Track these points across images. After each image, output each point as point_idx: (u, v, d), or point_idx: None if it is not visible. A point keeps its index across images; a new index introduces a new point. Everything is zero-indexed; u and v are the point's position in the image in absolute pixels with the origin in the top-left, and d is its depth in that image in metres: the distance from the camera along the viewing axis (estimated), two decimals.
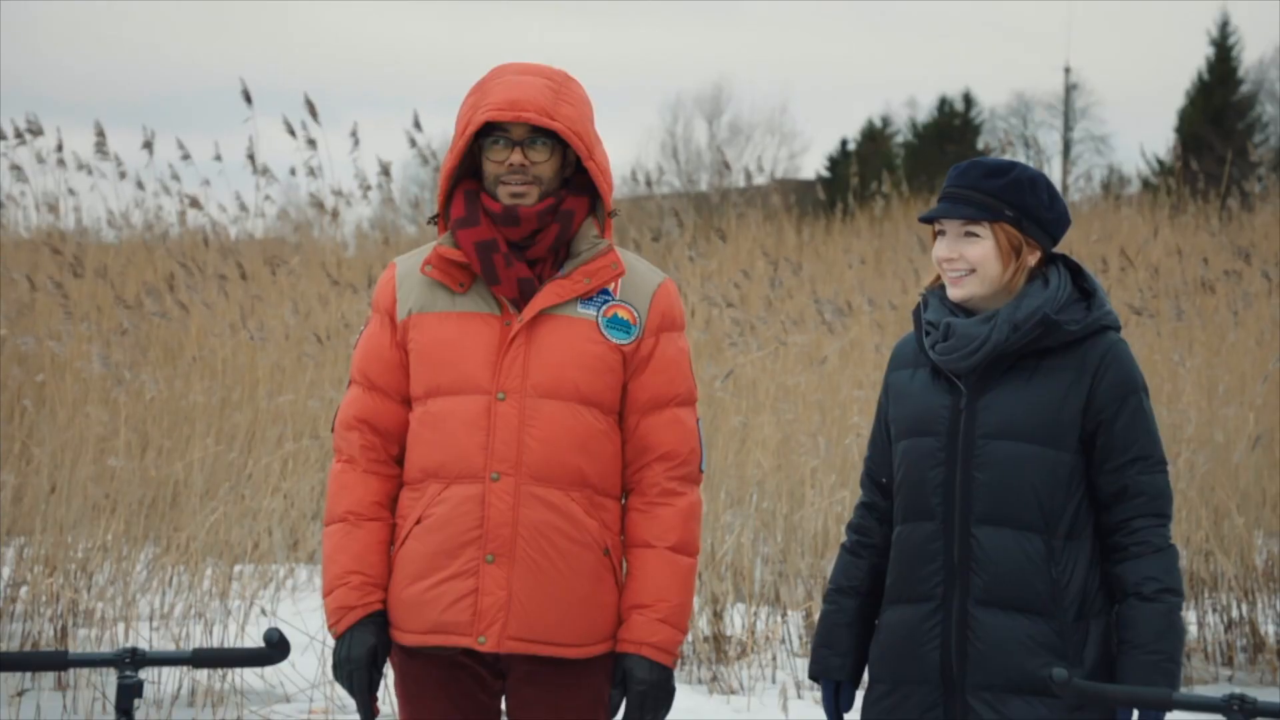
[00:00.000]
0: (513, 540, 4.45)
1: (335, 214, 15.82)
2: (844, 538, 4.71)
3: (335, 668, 4.52)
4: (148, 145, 14.83)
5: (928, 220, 4.52)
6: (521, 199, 4.47)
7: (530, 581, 4.45)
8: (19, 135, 14.29)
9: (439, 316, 4.52)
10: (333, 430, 4.61)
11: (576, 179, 4.57)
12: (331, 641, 8.99)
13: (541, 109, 4.42)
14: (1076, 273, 4.55)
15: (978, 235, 4.47)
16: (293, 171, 15.53)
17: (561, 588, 4.47)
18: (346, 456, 4.56)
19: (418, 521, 4.49)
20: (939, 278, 4.59)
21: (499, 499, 4.45)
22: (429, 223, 4.57)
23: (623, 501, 4.61)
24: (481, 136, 4.50)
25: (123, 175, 15.42)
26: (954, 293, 4.50)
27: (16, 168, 14.57)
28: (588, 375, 4.49)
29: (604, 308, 4.55)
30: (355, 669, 4.48)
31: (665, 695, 4.54)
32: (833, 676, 4.62)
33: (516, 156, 4.46)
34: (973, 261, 4.47)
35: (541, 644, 4.47)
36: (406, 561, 4.50)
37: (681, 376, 4.59)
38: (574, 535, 4.48)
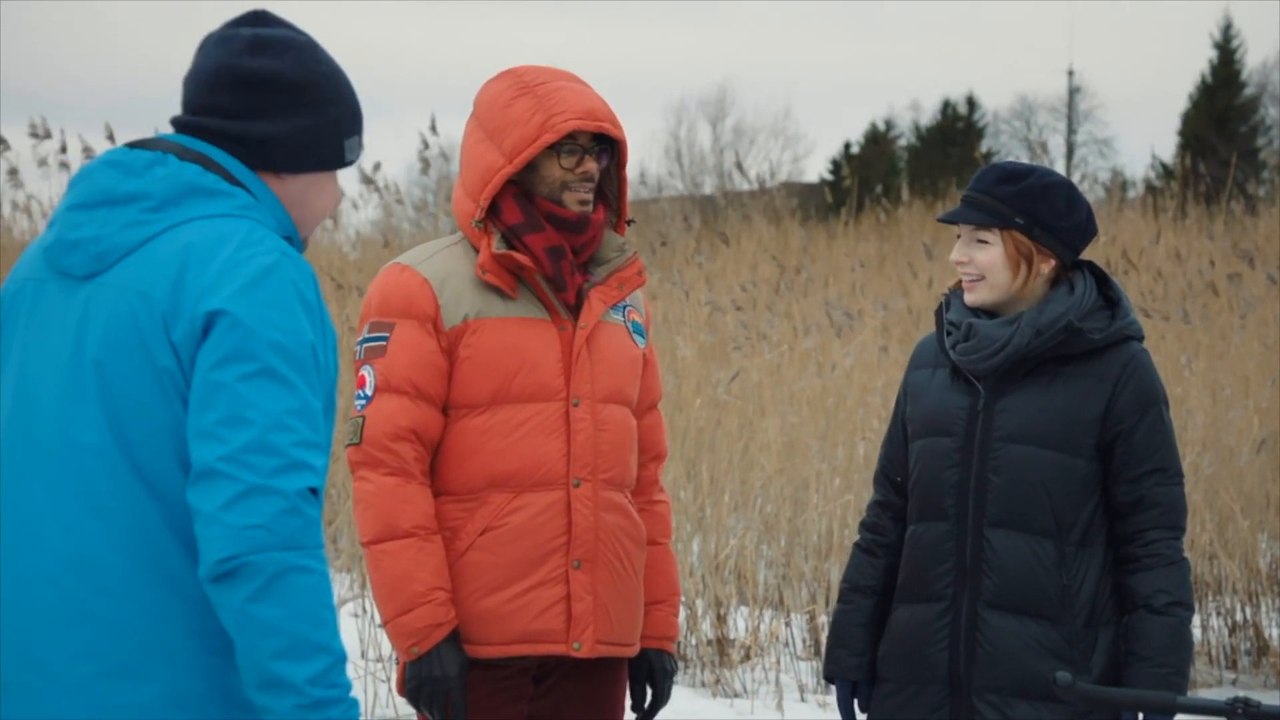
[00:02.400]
0: (595, 545, 4.46)
1: (336, 217, 15.82)
2: (857, 536, 4.70)
3: (419, 689, 4.38)
4: None
5: (944, 222, 4.55)
6: (588, 206, 4.47)
7: (610, 584, 4.48)
8: (32, 136, 14.28)
9: (499, 322, 4.45)
10: (359, 442, 4.42)
11: None
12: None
13: (610, 119, 4.44)
14: (1102, 280, 4.54)
15: (987, 241, 4.47)
16: None
17: (630, 588, 4.53)
18: (395, 469, 4.40)
19: (483, 532, 4.42)
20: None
21: (582, 504, 4.45)
22: (474, 225, 4.45)
23: None
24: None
25: None
26: (968, 297, 4.50)
27: (14, 171, 14.57)
28: (633, 379, 4.56)
29: (626, 312, 4.59)
30: (453, 687, 4.37)
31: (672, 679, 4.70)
32: (849, 676, 4.61)
33: (590, 165, 4.44)
34: (982, 267, 4.47)
35: (618, 645, 4.52)
36: (475, 573, 4.43)
37: (660, 378, 4.72)
38: (636, 536, 4.56)
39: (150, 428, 3.12)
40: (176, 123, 3.30)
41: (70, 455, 3.13)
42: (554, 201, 4.45)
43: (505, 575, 4.43)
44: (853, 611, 4.63)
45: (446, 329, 4.43)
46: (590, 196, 4.47)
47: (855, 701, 4.64)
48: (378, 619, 9.21)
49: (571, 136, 4.42)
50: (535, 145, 4.39)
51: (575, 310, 4.50)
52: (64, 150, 15.25)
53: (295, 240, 3.31)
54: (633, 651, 4.58)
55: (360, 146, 3.37)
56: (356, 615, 9.40)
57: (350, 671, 8.99)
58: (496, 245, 4.43)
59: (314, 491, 3.09)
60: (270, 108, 3.24)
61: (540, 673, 4.54)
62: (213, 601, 3.07)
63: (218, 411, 3.06)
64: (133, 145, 3.27)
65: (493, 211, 4.46)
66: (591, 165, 4.45)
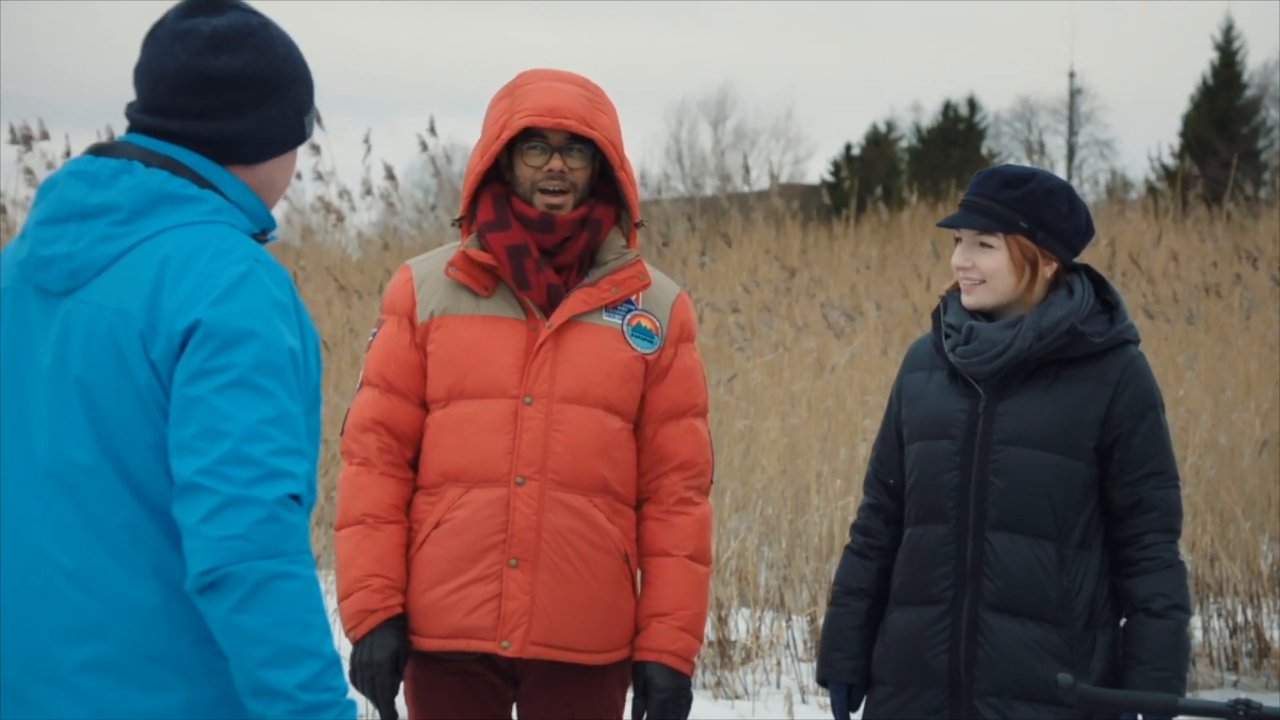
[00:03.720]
0: (536, 545, 4.44)
1: (340, 218, 15.82)
2: (848, 539, 4.70)
3: (354, 672, 4.45)
4: None
5: (946, 227, 4.54)
6: (558, 207, 4.46)
7: (553, 587, 4.45)
8: (26, 141, 14.26)
9: (463, 319, 4.49)
10: (341, 434, 4.55)
11: (602, 188, 4.57)
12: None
13: (580, 117, 4.42)
14: (1099, 284, 4.54)
15: (991, 246, 4.46)
16: (298, 175, 15.52)
17: (583, 594, 4.47)
18: (361, 459, 4.49)
19: (436, 525, 4.46)
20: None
21: (524, 503, 4.44)
22: (453, 225, 4.53)
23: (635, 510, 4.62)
24: (516, 141, 4.49)
25: None
26: (967, 300, 4.50)
27: (30, 172, 14.55)
28: (613, 383, 4.51)
29: (628, 316, 4.56)
30: (379, 673, 4.41)
31: (685, 702, 4.56)
32: (843, 680, 4.60)
33: (556, 163, 4.45)
34: (985, 272, 4.47)
35: (563, 650, 4.47)
36: (425, 565, 4.46)
37: (698, 387, 4.62)
38: (596, 541, 4.49)
39: (137, 443, 3.12)
40: (136, 122, 3.27)
41: (65, 474, 3.13)
42: (526, 201, 4.48)
43: (448, 569, 4.45)
44: (846, 614, 4.61)
45: (419, 324, 4.51)
46: (561, 198, 4.47)
47: (849, 705, 4.63)
48: None
49: (541, 135, 4.44)
50: (497, 143, 4.44)
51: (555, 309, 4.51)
52: (68, 154, 15.21)
53: (270, 224, 3.30)
54: (594, 659, 4.52)
55: (316, 117, 3.38)
56: None
57: None
58: (468, 243, 4.48)
59: (295, 498, 3.08)
60: (236, 105, 3.23)
61: (512, 673, 4.54)
62: (202, 613, 3.08)
63: (194, 425, 3.06)
64: (96, 151, 3.24)
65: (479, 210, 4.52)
66: (558, 164, 4.45)
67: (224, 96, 3.22)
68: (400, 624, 4.45)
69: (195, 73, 3.21)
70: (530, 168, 4.46)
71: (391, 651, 4.42)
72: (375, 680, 4.42)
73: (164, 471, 3.11)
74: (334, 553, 10.27)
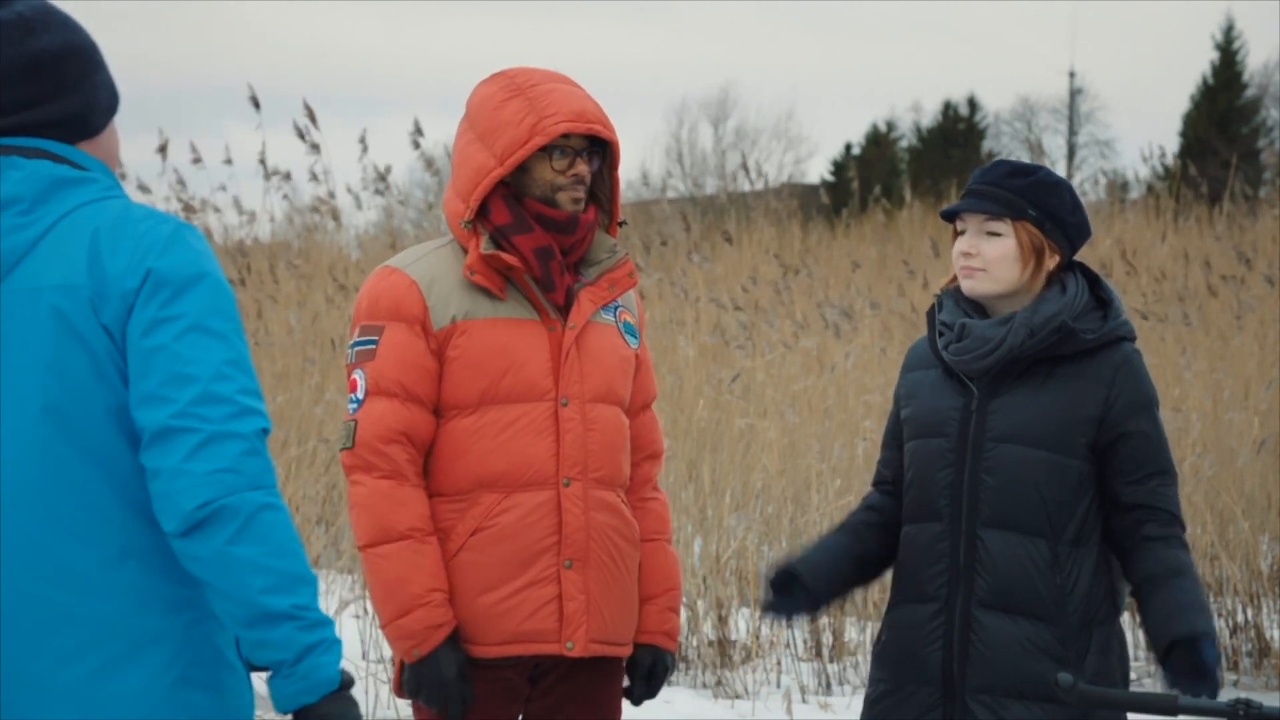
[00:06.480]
0: (586, 544, 4.47)
1: (337, 217, 15.83)
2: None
3: (420, 689, 4.39)
4: (162, 149, 14.85)
5: (950, 215, 4.53)
6: (579, 205, 4.48)
7: (601, 584, 4.49)
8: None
9: (488, 323, 4.46)
10: (352, 446, 4.43)
11: None
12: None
13: (603, 121, 4.45)
14: (1093, 281, 4.55)
15: (999, 233, 4.46)
16: (287, 175, 15.51)
17: (621, 587, 4.54)
18: (389, 472, 4.41)
19: (474, 533, 4.43)
20: (954, 279, 4.58)
21: (572, 504, 4.46)
22: (463, 226, 4.48)
23: None
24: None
25: (123, 177, 15.40)
26: (966, 286, 4.49)
27: None
28: (624, 379, 4.57)
29: (618, 313, 4.61)
30: (451, 688, 4.36)
31: (665, 674, 4.68)
32: (794, 568, 4.57)
33: (581, 166, 4.46)
34: (990, 259, 4.46)
35: (612, 645, 4.53)
36: (466, 574, 4.44)
37: (654, 377, 4.72)
38: (629, 535, 4.56)
39: (95, 414, 3.14)
40: None
41: (17, 460, 3.14)
42: (546, 203, 4.46)
43: (497, 576, 4.44)
44: (823, 536, 4.65)
45: (435, 330, 4.45)
46: (583, 196, 4.48)
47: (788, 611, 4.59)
48: (379, 621, 9.19)
49: (564, 138, 4.44)
50: (526, 148, 4.41)
51: (564, 310, 4.51)
52: None
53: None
54: (627, 651, 4.59)
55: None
56: (358, 616, 9.40)
57: (351, 672, 8.97)
58: (484, 246, 4.44)
59: (265, 433, 3.15)
60: (71, 79, 3.26)
61: (535, 673, 4.54)
62: (185, 554, 3.10)
63: (159, 374, 3.11)
64: None
65: (482, 213, 4.48)
66: (583, 167, 4.46)
67: (57, 74, 3.25)
68: (457, 636, 4.42)
69: (22, 59, 3.24)
70: (554, 171, 4.46)
71: (459, 665, 4.38)
72: (450, 696, 4.37)
73: (121, 436, 3.14)
74: (333, 555, 10.13)
